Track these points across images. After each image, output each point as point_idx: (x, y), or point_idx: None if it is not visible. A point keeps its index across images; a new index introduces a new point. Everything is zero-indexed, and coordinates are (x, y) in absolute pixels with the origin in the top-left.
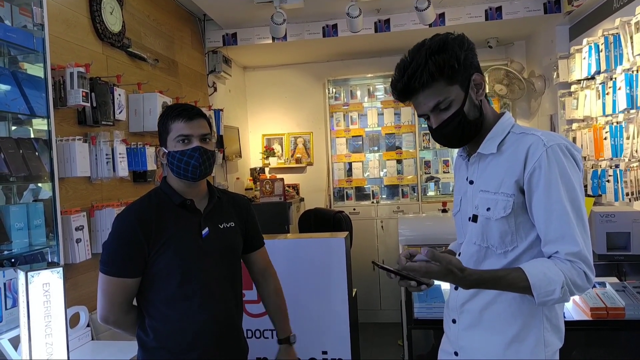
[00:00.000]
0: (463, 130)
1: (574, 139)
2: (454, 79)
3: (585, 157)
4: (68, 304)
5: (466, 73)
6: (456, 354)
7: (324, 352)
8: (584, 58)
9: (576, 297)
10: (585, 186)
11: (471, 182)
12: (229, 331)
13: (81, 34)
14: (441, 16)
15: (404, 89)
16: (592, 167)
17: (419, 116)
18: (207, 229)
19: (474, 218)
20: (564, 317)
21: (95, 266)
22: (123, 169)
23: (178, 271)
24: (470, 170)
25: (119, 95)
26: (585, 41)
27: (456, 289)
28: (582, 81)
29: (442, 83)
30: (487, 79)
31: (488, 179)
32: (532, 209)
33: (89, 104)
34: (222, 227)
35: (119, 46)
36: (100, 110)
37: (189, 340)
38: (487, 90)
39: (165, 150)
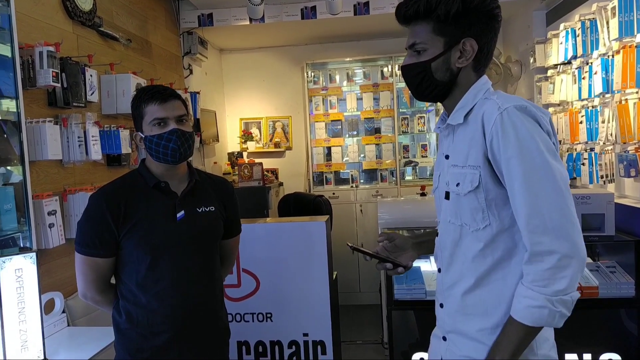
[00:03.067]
0: (421, 82)
1: None
2: (442, 30)
3: (561, 141)
4: (42, 290)
5: (457, 32)
6: (444, 339)
7: (305, 334)
8: (561, 43)
9: None
10: None
11: (447, 157)
12: (203, 315)
13: (50, 12)
14: None
15: (396, 10)
16: (568, 151)
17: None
18: (182, 212)
19: (447, 195)
20: None
21: (70, 251)
22: (96, 152)
23: (147, 254)
24: (445, 144)
25: (91, 76)
26: (562, 26)
27: (440, 271)
28: (558, 66)
29: (430, 27)
30: None
31: (457, 152)
32: (505, 181)
33: (59, 85)
34: (200, 210)
35: (90, 25)
36: (72, 91)
37: (158, 323)
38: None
39: (142, 134)
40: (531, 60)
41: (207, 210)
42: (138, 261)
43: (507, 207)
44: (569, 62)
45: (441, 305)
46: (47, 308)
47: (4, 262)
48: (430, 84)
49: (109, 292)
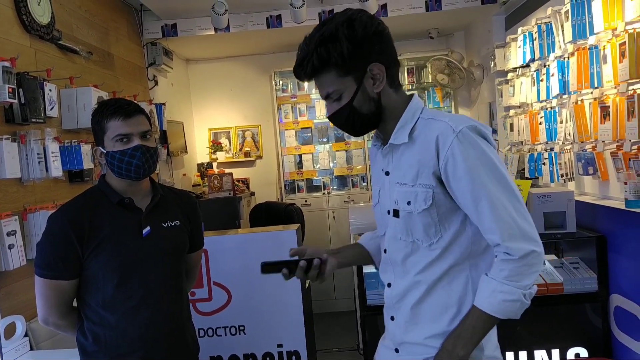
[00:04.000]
0: (354, 122)
1: (512, 125)
2: (346, 71)
3: (522, 142)
4: (2, 313)
5: (360, 63)
6: (397, 350)
7: (279, 345)
8: (519, 47)
9: None
10: (523, 169)
11: (387, 174)
12: (174, 331)
13: (5, 26)
14: (383, 7)
15: (296, 76)
16: (529, 151)
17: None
18: (148, 227)
19: (395, 213)
20: None
21: (31, 273)
22: (57, 169)
23: (115, 273)
24: (385, 160)
25: (50, 90)
26: (520, 30)
27: (389, 285)
28: (517, 69)
29: (333, 74)
30: (429, 68)
31: (403, 171)
32: (459, 200)
33: (16, 101)
34: (165, 225)
35: (49, 39)
36: (30, 107)
37: (129, 342)
38: (398, 78)
39: (103, 150)
40: (492, 64)
41: (173, 224)
42: (104, 280)
43: (454, 217)
44: (528, 65)
45: (392, 318)
46: (7, 333)
47: None
48: (363, 120)
49: (72, 316)
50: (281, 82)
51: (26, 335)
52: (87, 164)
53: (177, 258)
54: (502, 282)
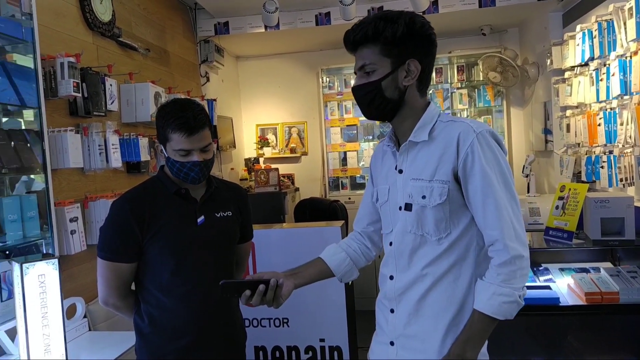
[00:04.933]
0: (373, 100)
1: (568, 126)
2: (389, 51)
3: (579, 144)
4: (64, 295)
5: (402, 53)
6: (392, 343)
7: (322, 340)
8: (578, 45)
9: (571, 282)
10: (579, 172)
11: (400, 171)
12: (223, 319)
13: (71, 24)
14: (435, 3)
15: (345, 36)
16: (586, 154)
17: (354, 72)
18: (202, 217)
19: (408, 207)
20: (559, 302)
21: (91, 257)
22: (116, 160)
23: (171, 259)
24: (400, 159)
25: (111, 85)
26: (578, 27)
27: (392, 278)
28: (575, 68)
29: (377, 49)
30: (481, 66)
31: (420, 167)
32: (469, 196)
33: (80, 95)
34: (218, 215)
35: (110, 36)
36: (92, 100)
37: (181, 326)
38: (430, 83)
39: (165, 153)
40: (548, 62)
41: (225, 215)
42: (161, 265)
43: (463, 215)
44: (586, 64)
45: (392, 311)
46: (68, 313)
47: (28, 268)
48: (382, 101)
49: (130, 298)
50: (328, 79)
51: (85, 316)
52: (144, 156)
53: (228, 247)
54: (500, 285)
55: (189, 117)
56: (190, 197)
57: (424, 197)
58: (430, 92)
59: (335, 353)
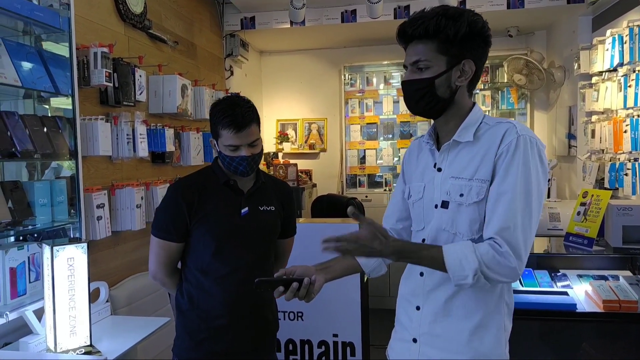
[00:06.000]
0: (423, 97)
1: (593, 131)
2: (446, 50)
3: (603, 150)
4: (90, 279)
5: (460, 53)
6: (415, 340)
7: (335, 335)
8: (607, 49)
9: (588, 289)
10: (602, 179)
11: (439, 170)
12: (259, 307)
13: (104, 15)
14: (462, 3)
15: (401, 29)
16: (610, 160)
17: (403, 66)
18: (246, 208)
19: (444, 204)
20: (576, 308)
21: (115, 244)
22: (143, 150)
23: (212, 243)
24: (440, 157)
25: (140, 76)
26: (608, 32)
27: (421, 275)
28: (603, 73)
29: (434, 46)
30: (506, 68)
31: (461, 167)
32: (489, 190)
33: (111, 84)
34: (262, 209)
35: (141, 27)
36: (122, 90)
37: (218, 308)
38: (478, 85)
39: (217, 147)
40: (575, 67)
41: (268, 209)
42: (204, 248)
43: None
44: (615, 70)
45: (417, 308)
46: (92, 297)
47: (58, 251)
48: (432, 99)
49: (175, 276)
50: (350, 77)
51: (107, 301)
52: (170, 147)
53: (267, 239)
54: (473, 250)
55: (238, 115)
56: (238, 189)
57: (461, 195)
58: None
59: (348, 349)
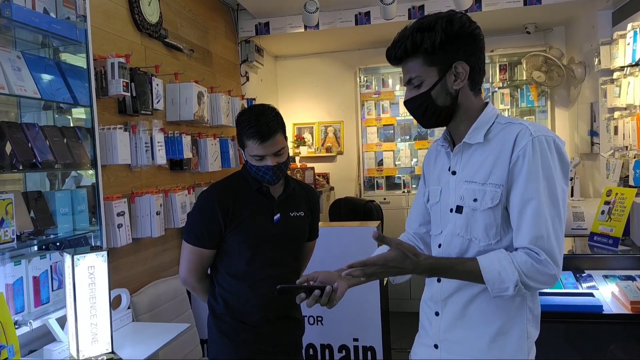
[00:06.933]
0: (426, 111)
1: (616, 128)
2: (432, 60)
3: (627, 147)
4: (111, 286)
5: (447, 58)
6: (436, 346)
7: (355, 339)
8: (628, 44)
9: (615, 290)
10: (627, 176)
11: (454, 173)
12: (289, 310)
13: (120, 25)
14: (477, 1)
15: (387, 55)
16: (635, 157)
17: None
18: (278, 215)
19: (458, 209)
20: (602, 310)
21: (136, 251)
22: (161, 157)
23: (248, 251)
24: (454, 160)
25: (157, 85)
26: (629, 26)
27: (439, 281)
28: (625, 68)
29: (420, 61)
30: (524, 65)
31: (474, 170)
32: (510, 197)
33: (129, 94)
34: (292, 215)
35: (157, 37)
36: (140, 99)
37: (252, 311)
38: (482, 82)
39: (244, 157)
40: (596, 62)
41: (298, 214)
42: (239, 255)
43: None
44: (637, 64)
45: (436, 314)
46: (114, 304)
47: (79, 259)
48: (435, 110)
49: (205, 281)
50: (365, 79)
51: (129, 307)
52: (187, 154)
53: (298, 243)
54: (510, 260)
55: (262, 125)
56: (270, 195)
57: (475, 200)
58: None
59: (369, 353)
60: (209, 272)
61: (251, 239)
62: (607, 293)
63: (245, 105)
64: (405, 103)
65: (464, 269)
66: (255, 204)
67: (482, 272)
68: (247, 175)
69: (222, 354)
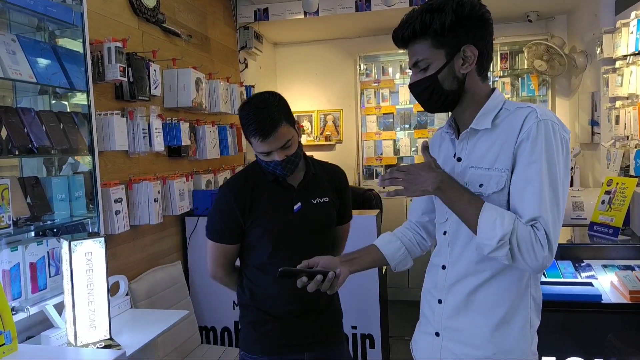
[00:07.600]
0: (431, 95)
1: (617, 118)
2: (440, 43)
3: (628, 137)
4: (109, 273)
5: (456, 41)
6: (437, 334)
7: (354, 327)
8: (632, 32)
9: (614, 280)
10: (627, 166)
11: (459, 159)
12: (317, 298)
13: (117, 9)
14: None
15: (393, 35)
16: (636, 147)
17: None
18: (299, 204)
19: None
20: (601, 299)
21: (134, 237)
22: (159, 144)
23: (269, 243)
24: (459, 147)
25: (155, 70)
26: (633, 14)
27: (444, 268)
28: (628, 57)
29: (428, 43)
30: (526, 54)
31: (480, 156)
32: (511, 182)
33: (126, 79)
34: (315, 202)
35: (154, 21)
36: (137, 85)
37: (277, 302)
38: (490, 67)
39: (254, 151)
40: (598, 51)
41: (322, 201)
42: (261, 248)
43: None
44: None
45: (439, 302)
46: (112, 290)
47: (76, 245)
48: (441, 95)
49: (234, 274)
50: (365, 67)
51: (127, 294)
52: (185, 141)
53: (323, 232)
54: (513, 220)
55: (263, 121)
56: (288, 185)
57: (481, 185)
58: None
59: (367, 341)
60: (237, 264)
61: (271, 232)
62: (606, 283)
63: (244, 93)
64: (410, 86)
65: (470, 198)
66: (274, 196)
67: (481, 210)
68: (263, 166)
69: (249, 343)
